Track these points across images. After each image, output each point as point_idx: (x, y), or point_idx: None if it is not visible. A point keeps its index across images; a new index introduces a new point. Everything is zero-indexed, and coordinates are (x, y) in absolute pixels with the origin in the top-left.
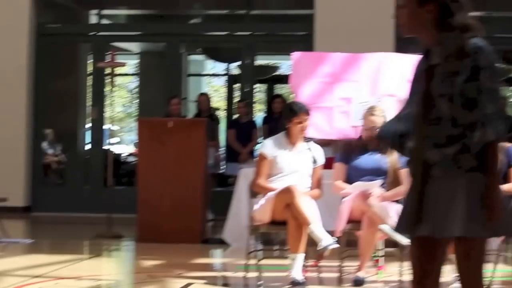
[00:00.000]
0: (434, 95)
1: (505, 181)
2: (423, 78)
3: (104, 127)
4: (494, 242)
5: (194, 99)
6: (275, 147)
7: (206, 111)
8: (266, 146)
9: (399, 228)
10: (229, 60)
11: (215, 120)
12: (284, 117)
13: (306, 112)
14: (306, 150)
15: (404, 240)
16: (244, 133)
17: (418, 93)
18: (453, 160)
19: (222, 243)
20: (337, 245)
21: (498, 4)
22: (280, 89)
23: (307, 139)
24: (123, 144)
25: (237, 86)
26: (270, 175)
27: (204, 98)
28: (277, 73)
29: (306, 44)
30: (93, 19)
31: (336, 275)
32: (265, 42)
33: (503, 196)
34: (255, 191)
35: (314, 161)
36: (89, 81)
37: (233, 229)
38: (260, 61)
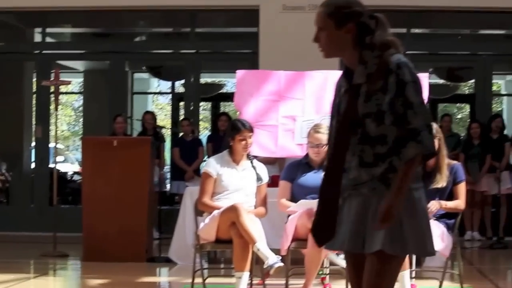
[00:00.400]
0: (359, 114)
1: (451, 198)
2: (346, 98)
3: (50, 145)
4: (439, 259)
5: (139, 117)
6: (219, 165)
7: (151, 129)
8: (210, 165)
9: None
10: (174, 78)
11: (160, 138)
12: (227, 135)
13: (249, 129)
14: (250, 168)
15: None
16: (189, 151)
17: (340, 112)
18: (381, 179)
19: (168, 261)
20: (282, 264)
21: (442, 21)
22: (225, 107)
23: (251, 157)
24: (68, 162)
25: (182, 104)
26: (215, 193)
27: (149, 117)
28: (222, 91)
29: (251, 62)
30: (38, 37)
31: None
32: (210, 60)
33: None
34: (200, 210)
35: (259, 179)
36: (34, 99)
37: (179, 248)
38: (206, 79)
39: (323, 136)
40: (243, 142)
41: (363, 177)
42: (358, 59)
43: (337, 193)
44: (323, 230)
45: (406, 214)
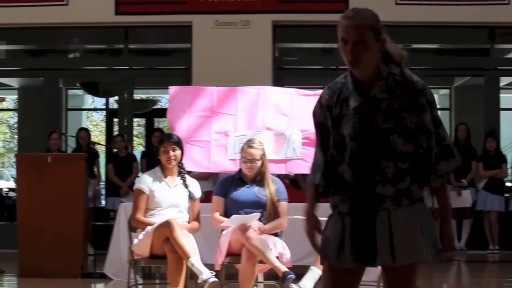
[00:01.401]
0: (382, 130)
1: None
2: (362, 112)
3: None
4: (373, 273)
5: (73, 133)
6: (151, 181)
7: (85, 146)
8: (142, 181)
9: (341, 260)
10: (108, 94)
11: (94, 154)
12: (156, 149)
13: (173, 142)
14: (183, 183)
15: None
16: (123, 167)
17: (351, 127)
18: (406, 193)
19: (103, 277)
20: (216, 279)
21: (415, 37)
22: (159, 123)
23: (184, 173)
24: (3, 179)
25: (116, 120)
26: (148, 209)
27: (84, 133)
28: (156, 107)
29: (185, 77)
30: None
31: None
32: (143, 76)
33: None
34: (134, 226)
35: (191, 195)
36: None
37: (114, 263)
38: (140, 95)
39: (256, 151)
40: (166, 155)
41: (387, 192)
42: (376, 72)
43: (368, 209)
44: (362, 248)
45: (426, 223)
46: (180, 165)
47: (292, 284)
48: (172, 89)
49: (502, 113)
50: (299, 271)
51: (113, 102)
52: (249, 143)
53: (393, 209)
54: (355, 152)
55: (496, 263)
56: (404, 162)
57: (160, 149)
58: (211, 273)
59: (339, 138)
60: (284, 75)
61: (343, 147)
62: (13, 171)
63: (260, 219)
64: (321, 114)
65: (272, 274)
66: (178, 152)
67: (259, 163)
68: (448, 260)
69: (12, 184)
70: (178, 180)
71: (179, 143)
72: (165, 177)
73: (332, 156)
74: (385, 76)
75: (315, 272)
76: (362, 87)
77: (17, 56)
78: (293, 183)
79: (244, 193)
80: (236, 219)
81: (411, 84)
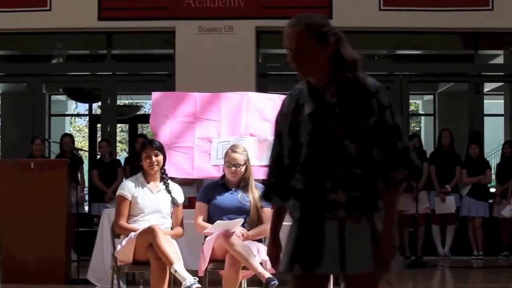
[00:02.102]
0: (335, 136)
1: None
2: (315, 117)
3: None
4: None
5: (57, 139)
6: (134, 187)
7: (69, 152)
8: (125, 187)
9: (290, 268)
10: (91, 100)
11: (78, 160)
12: (138, 155)
13: (155, 147)
14: (165, 189)
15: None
16: (108, 173)
17: (306, 134)
18: (360, 201)
19: (86, 283)
20: (199, 285)
21: (358, 42)
22: (143, 128)
23: (166, 179)
24: None
25: (99, 126)
26: (131, 215)
27: (67, 139)
28: (140, 112)
29: (168, 83)
30: None
31: None
32: (126, 82)
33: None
34: (117, 232)
35: (174, 200)
36: None
37: (97, 269)
38: (123, 100)
39: (240, 156)
40: (148, 160)
41: (339, 199)
42: (329, 78)
43: (318, 216)
44: (310, 255)
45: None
46: (162, 170)
47: None
48: (155, 94)
49: (486, 119)
50: (283, 277)
51: (96, 107)
52: (233, 148)
53: (345, 217)
54: (309, 158)
55: (480, 269)
56: (357, 168)
57: (142, 155)
58: (195, 279)
59: (295, 146)
60: (267, 81)
61: (298, 154)
62: None
63: (243, 225)
64: (281, 122)
65: (255, 280)
66: (160, 157)
67: (242, 168)
68: (384, 273)
69: None
70: (161, 185)
71: (161, 149)
72: (148, 183)
73: (288, 165)
74: (339, 80)
75: None
76: (316, 93)
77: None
78: None
79: (228, 199)
80: (220, 225)
81: (363, 87)
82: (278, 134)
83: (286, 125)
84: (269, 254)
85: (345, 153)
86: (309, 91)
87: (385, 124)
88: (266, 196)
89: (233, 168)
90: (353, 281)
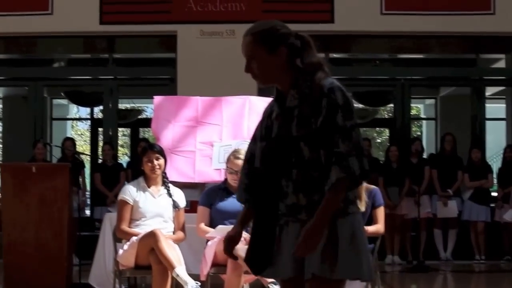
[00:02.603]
0: (293, 138)
1: (370, 223)
2: (279, 121)
3: None
4: (359, 284)
5: (58, 143)
6: (135, 192)
7: (71, 155)
8: (126, 191)
9: (253, 269)
10: (93, 104)
11: (79, 164)
12: (139, 159)
13: (156, 151)
14: (167, 193)
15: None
16: (110, 177)
17: (270, 136)
18: (318, 204)
19: (88, 287)
20: None
21: (360, 47)
22: (145, 132)
23: (167, 183)
24: None
25: (101, 130)
26: (133, 220)
27: (69, 143)
28: (141, 116)
29: (170, 87)
30: None
31: None
32: (128, 86)
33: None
34: (119, 237)
35: (175, 204)
36: None
37: (99, 274)
38: (125, 104)
39: (242, 162)
40: (149, 164)
41: (300, 202)
42: (290, 82)
43: (273, 219)
44: (259, 258)
45: (343, 238)
46: (163, 174)
47: None
48: (157, 98)
49: (487, 123)
50: None
51: (97, 111)
52: (235, 154)
53: (306, 220)
54: (269, 161)
55: (482, 273)
56: (314, 170)
57: (144, 159)
58: (196, 283)
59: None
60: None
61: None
62: None
63: (246, 230)
64: (258, 126)
65: (258, 285)
66: (161, 161)
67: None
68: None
69: None
70: (162, 189)
71: (161, 153)
72: (149, 187)
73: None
74: (299, 84)
75: None
76: (282, 98)
77: (1, 65)
78: None
79: (230, 203)
80: (222, 230)
81: (317, 87)
82: (254, 137)
83: (261, 129)
84: (225, 238)
85: (301, 155)
86: (276, 96)
87: (333, 125)
88: (239, 196)
89: (235, 174)
90: (308, 286)
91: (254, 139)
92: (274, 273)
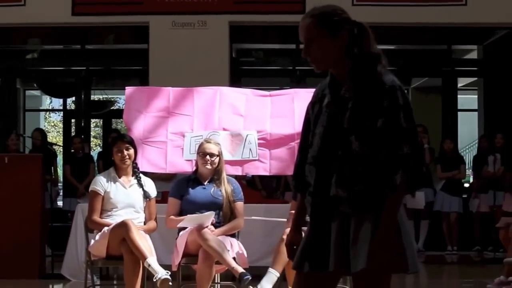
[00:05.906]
0: (344, 131)
1: None
2: (329, 110)
3: None
4: None
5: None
6: (106, 182)
7: (40, 146)
8: (97, 182)
9: (300, 265)
10: (66, 95)
11: (52, 155)
12: (110, 150)
13: (125, 141)
14: (137, 183)
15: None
16: (80, 168)
17: (321, 126)
18: (361, 197)
19: (61, 278)
20: (168, 276)
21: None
22: (117, 123)
23: (138, 173)
24: None
25: (74, 121)
26: (104, 210)
27: (37, 134)
28: (114, 107)
29: (142, 78)
30: None
31: None
32: (101, 77)
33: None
34: (91, 227)
35: (146, 194)
36: None
37: (71, 264)
38: (97, 95)
39: (214, 147)
40: (119, 154)
41: (340, 194)
42: (347, 70)
43: (326, 212)
44: (317, 254)
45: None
46: (134, 164)
47: (250, 286)
48: (129, 89)
49: (459, 114)
50: (256, 272)
51: (70, 102)
52: (207, 139)
53: (350, 213)
54: (320, 151)
55: (454, 264)
56: (359, 165)
57: (114, 149)
58: (167, 272)
59: (313, 137)
60: (241, 75)
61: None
62: None
63: (217, 220)
64: (309, 111)
65: (229, 275)
66: (131, 151)
67: (216, 159)
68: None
69: None
70: (133, 180)
71: (131, 143)
72: (120, 177)
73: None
74: (356, 75)
75: (273, 274)
76: (336, 85)
77: None
78: (250, 184)
79: (200, 193)
80: (191, 219)
81: (379, 85)
82: (305, 124)
83: (312, 115)
84: (286, 243)
85: (350, 149)
86: (330, 82)
87: (396, 126)
88: (294, 186)
89: (207, 157)
90: (357, 279)
91: (306, 125)
92: (311, 265)
